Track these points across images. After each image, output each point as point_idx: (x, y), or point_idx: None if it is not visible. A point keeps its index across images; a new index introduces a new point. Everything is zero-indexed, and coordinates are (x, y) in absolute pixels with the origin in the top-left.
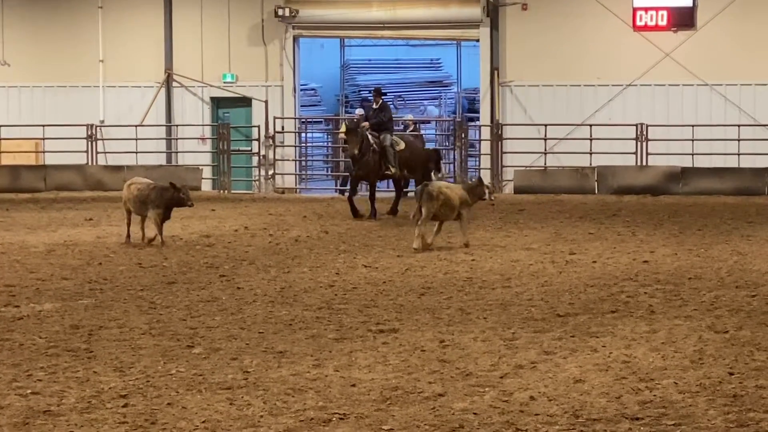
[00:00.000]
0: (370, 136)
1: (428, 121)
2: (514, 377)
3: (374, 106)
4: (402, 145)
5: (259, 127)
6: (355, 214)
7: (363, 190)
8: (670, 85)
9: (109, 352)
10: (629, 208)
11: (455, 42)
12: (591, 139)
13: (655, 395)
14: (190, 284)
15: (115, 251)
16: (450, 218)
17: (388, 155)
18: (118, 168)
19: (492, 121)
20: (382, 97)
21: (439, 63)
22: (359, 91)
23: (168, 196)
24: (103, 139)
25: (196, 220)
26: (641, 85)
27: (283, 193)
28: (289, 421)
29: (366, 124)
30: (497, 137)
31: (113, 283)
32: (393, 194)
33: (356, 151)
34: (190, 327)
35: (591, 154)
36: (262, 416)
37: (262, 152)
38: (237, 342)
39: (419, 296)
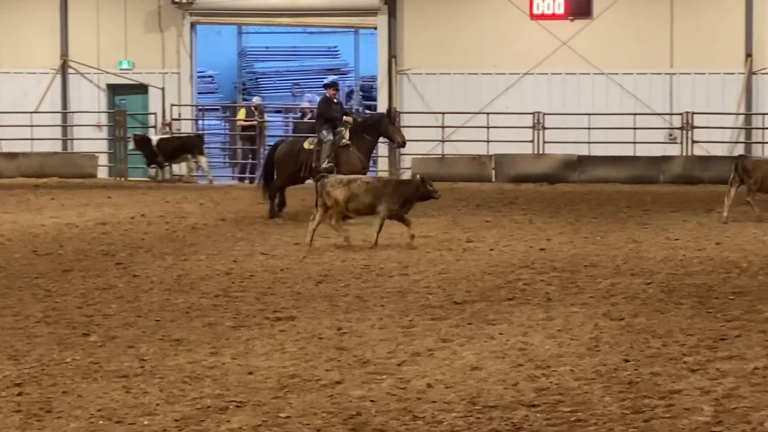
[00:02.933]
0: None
1: None
2: (411, 365)
3: (335, 100)
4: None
5: (155, 114)
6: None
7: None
8: (566, 73)
9: (3, 340)
10: (526, 197)
11: (353, 30)
12: (488, 128)
13: (551, 382)
14: (86, 272)
15: (10, 238)
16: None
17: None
18: (13, 155)
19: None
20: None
21: (336, 51)
22: (256, 78)
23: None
24: None
25: (92, 208)
26: (538, 73)
27: (179, 180)
28: (185, 408)
29: (349, 119)
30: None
31: (8, 270)
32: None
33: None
34: (86, 315)
35: (488, 142)
36: (158, 404)
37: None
38: (133, 330)
39: (317, 284)
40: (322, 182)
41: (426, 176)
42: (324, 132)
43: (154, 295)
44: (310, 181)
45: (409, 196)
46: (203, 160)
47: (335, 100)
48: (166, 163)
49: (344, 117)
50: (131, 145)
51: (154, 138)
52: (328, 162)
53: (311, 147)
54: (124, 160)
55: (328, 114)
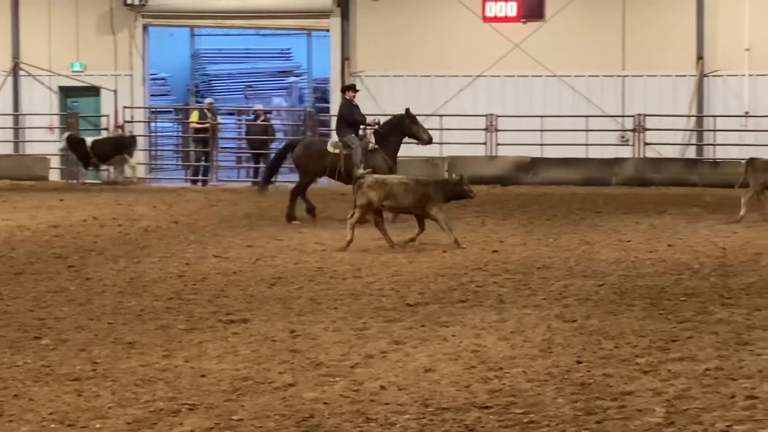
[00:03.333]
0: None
1: (278, 111)
2: (364, 367)
3: (354, 102)
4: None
5: (108, 116)
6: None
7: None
8: (519, 76)
9: None
10: (479, 199)
11: (306, 32)
12: (441, 130)
13: (504, 384)
14: (38, 275)
15: None
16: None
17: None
18: None
19: None
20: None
21: (289, 53)
22: (209, 80)
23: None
24: None
25: (44, 210)
26: (491, 76)
27: (132, 182)
28: (138, 412)
29: (371, 119)
30: None
31: None
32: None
33: None
34: (38, 318)
35: (441, 144)
36: (110, 407)
37: None
38: (85, 333)
39: (270, 286)
40: (359, 182)
41: (462, 175)
42: (351, 137)
43: (107, 298)
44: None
45: (447, 195)
46: (132, 162)
47: (355, 103)
48: (102, 165)
49: (367, 120)
50: (62, 145)
51: (89, 139)
52: (364, 167)
53: (337, 151)
54: (76, 162)
55: (351, 118)
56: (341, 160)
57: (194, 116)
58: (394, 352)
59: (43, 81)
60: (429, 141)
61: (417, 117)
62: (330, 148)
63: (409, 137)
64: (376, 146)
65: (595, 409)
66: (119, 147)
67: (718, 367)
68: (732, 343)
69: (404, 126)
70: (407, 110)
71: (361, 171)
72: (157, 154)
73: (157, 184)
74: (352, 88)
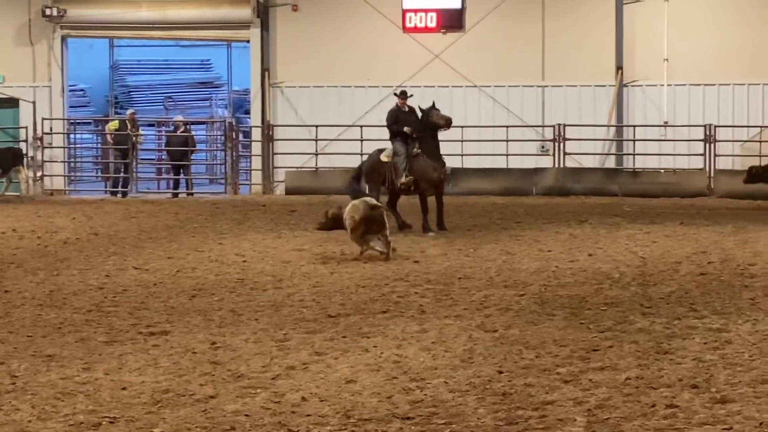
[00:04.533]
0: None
1: (200, 122)
2: (285, 378)
3: (405, 109)
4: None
5: (27, 128)
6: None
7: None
8: (439, 86)
9: None
10: (400, 209)
11: (226, 43)
12: (362, 140)
13: (425, 394)
14: None
15: None
16: None
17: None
18: None
19: (263, 122)
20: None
21: (209, 64)
22: (129, 91)
23: None
24: None
25: None
26: (411, 86)
27: (51, 194)
28: (58, 425)
29: (408, 130)
30: (268, 138)
31: None
32: None
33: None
34: None
35: (362, 155)
36: (30, 421)
37: (30, 153)
38: (5, 346)
39: (190, 298)
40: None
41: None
42: (397, 145)
43: (26, 311)
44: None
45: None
46: (24, 173)
47: (406, 109)
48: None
49: (405, 128)
50: None
51: None
52: (406, 176)
53: (388, 160)
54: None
55: (393, 125)
56: (390, 169)
57: (112, 125)
58: (316, 363)
59: None
60: (448, 124)
61: (433, 107)
62: (383, 158)
63: (434, 129)
64: (418, 150)
65: (517, 419)
66: (17, 158)
67: (638, 376)
68: (652, 352)
69: (429, 121)
70: (433, 104)
71: (402, 180)
72: (77, 165)
73: (77, 195)
74: (401, 94)
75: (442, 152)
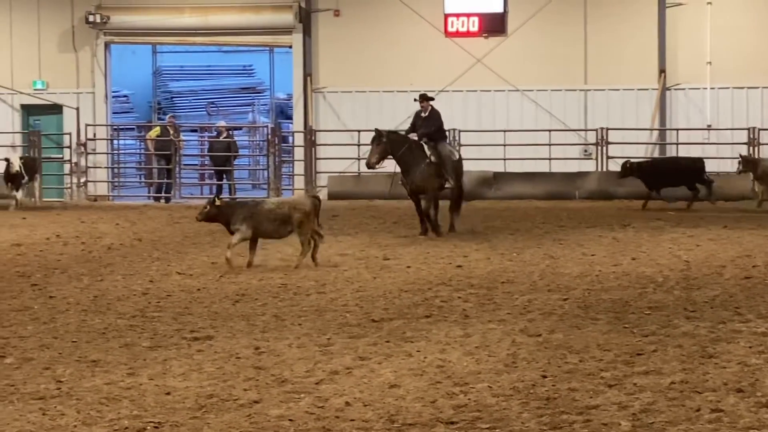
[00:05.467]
0: (425, 146)
1: (241, 128)
2: (329, 383)
3: (423, 114)
4: (456, 156)
5: (70, 134)
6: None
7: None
8: (481, 90)
9: None
10: (442, 213)
11: (268, 48)
12: None
13: (469, 399)
14: (1, 293)
15: None
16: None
17: (447, 166)
18: None
19: (305, 127)
20: (431, 103)
21: (251, 69)
22: (172, 97)
23: None
24: None
25: (6, 229)
26: (453, 90)
27: (95, 200)
28: (103, 430)
29: (413, 135)
30: (311, 143)
31: None
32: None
33: (373, 161)
34: (2, 337)
35: None
36: (75, 426)
37: (74, 159)
38: (50, 351)
39: (234, 303)
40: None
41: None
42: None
43: (71, 317)
44: None
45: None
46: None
47: (423, 114)
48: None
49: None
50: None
51: (18, 157)
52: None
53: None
54: (38, 180)
55: (411, 129)
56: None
57: (154, 132)
58: (359, 368)
59: (5, 99)
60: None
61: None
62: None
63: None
64: (430, 158)
65: (561, 423)
66: (35, 167)
67: (683, 381)
68: (697, 356)
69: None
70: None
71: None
72: (120, 171)
73: (120, 201)
74: (422, 98)
75: (483, 156)
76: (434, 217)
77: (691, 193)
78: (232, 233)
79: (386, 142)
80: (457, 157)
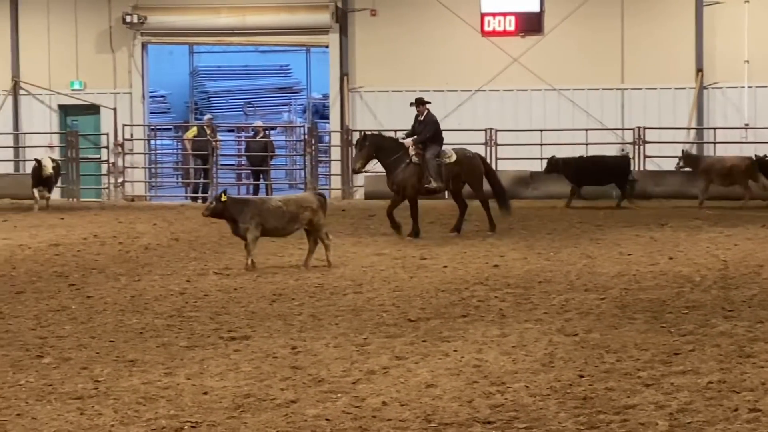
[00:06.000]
0: (411, 149)
1: (276, 128)
2: (366, 383)
3: (420, 118)
4: (453, 158)
5: (108, 134)
6: (396, 228)
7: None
8: (518, 90)
9: None
10: (479, 213)
11: (305, 48)
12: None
13: (506, 399)
14: (39, 293)
15: None
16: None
17: (429, 167)
18: None
19: (342, 127)
20: (426, 107)
21: (288, 69)
22: (209, 97)
23: None
24: None
25: (44, 229)
26: (490, 90)
27: (132, 200)
28: (140, 430)
29: (409, 141)
30: (347, 143)
31: None
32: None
33: (358, 166)
34: (40, 336)
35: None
36: (113, 425)
37: (111, 160)
38: (87, 351)
39: (270, 303)
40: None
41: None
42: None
43: (108, 316)
44: None
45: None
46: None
47: (420, 118)
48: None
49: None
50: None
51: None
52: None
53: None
54: (76, 181)
55: (411, 133)
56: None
57: (191, 132)
58: (396, 367)
59: (43, 100)
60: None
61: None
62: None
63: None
64: (414, 160)
65: (598, 423)
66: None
67: (720, 380)
68: (734, 355)
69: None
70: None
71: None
72: (157, 171)
73: (158, 201)
74: (417, 102)
75: (520, 155)
76: (413, 216)
77: (620, 192)
78: (236, 230)
79: (369, 146)
80: (455, 159)
